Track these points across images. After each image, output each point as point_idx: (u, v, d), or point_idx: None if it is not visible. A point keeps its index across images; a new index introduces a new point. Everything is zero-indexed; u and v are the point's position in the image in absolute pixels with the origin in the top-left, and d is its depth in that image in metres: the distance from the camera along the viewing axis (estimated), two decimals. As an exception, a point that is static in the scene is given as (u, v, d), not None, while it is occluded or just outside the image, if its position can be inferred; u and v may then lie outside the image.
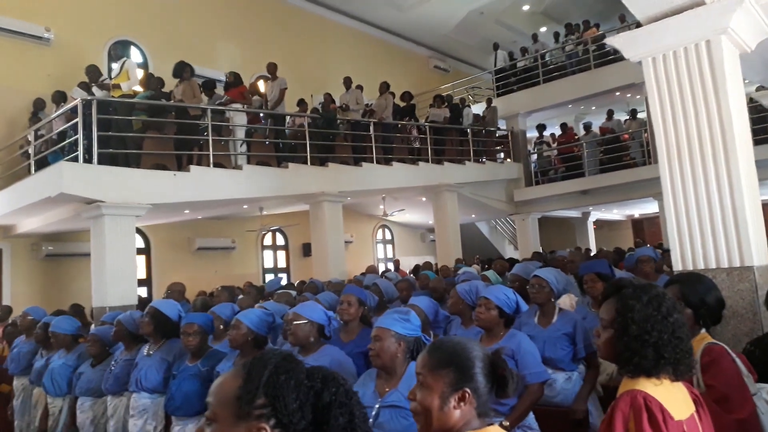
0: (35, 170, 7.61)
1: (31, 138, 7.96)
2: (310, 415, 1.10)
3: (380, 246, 15.65)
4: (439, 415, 1.45)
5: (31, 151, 7.88)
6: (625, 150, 13.26)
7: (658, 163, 3.63)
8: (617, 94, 13.39)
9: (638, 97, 13.30)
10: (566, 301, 4.16)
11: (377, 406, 2.41)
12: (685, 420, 1.61)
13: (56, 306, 7.28)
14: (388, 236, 15.95)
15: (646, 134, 12.51)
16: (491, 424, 1.48)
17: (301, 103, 10.66)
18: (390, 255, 15.70)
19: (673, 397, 1.62)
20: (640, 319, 1.63)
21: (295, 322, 3.08)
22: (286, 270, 13.04)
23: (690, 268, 3.43)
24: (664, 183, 3.60)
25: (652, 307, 1.64)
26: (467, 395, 1.44)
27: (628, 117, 14.04)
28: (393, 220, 15.30)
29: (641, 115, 13.81)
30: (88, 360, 4.48)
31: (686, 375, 1.65)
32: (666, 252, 6.27)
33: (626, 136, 13.59)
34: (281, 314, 3.90)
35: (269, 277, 12.39)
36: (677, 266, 3.52)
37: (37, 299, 8.51)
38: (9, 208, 7.87)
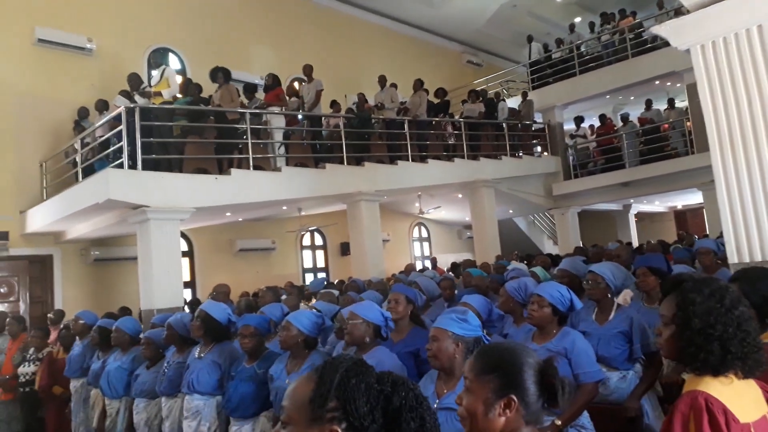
0: (82, 177, 7.83)
1: (77, 146, 8.20)
2: (380, 419, 1.11)
3: (417, 244, 15.62)
4: (484, 421, 1.43)
5: (78, 159, 8.11)
6: (666, 140, 12.94)
7: (710, 153, 3.52)
8: (656, 83, 13.09)
9: (678, 85, 12.97)
10: (620, 297, 4.08)
11: (435, 407, 2.38)
12: (753, 422, 1.54)
13: (105, 309, 7.48)
14: (425, 234, 15.91)
15: (688, 123, 12.19)
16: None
17: (334, 104, 10.72)
18: (427, 253, 15.65)
19: (741, 397, 1.55)
20: (702, 313, 1.57)
21: (351, 322, 3.10)
22: (325, 269, 13.13)
23: (746, 260, 3.33)
24: (716, 173, 3.50)
25: (714, 299, 1.58)
26: (513, 403, 1.42)
27: (667, 106, 13.70)
28: (429, 218, 15.26)
29: (680, 104, 13.46)
30: (143, 362, 4.59)
31: (756, 371, 1.57)
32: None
33: (666, 126, 13.26)
34: (331, 314, 3.93)
35: (309, 276, 12.53)
36: (732, 259, 3.42)
37: (87, 303, 8.77)
38: (59, 214, 8.11)
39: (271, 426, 3.52)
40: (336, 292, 6.04)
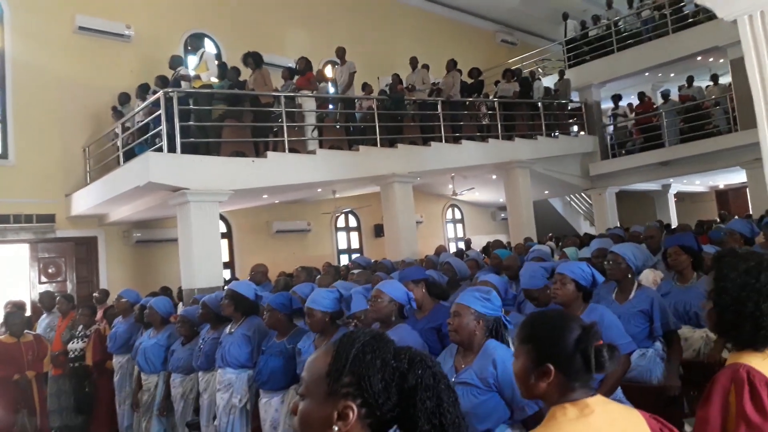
0: (124, 161, 8.04)
1: (118, 131, 8.40)
2: (395, 397, 1.09)
3: (450, 225, 15.60)
4: (528, 385, 1.47)
5: (119, 143, 8.32)
6: (708, 117, 12.56)
7: (758, 129, 3.43)
8: (698, 59, 12.69)
9: (721, 61, 12.53)
10: (649, 277, 4.05)
11: (452, 381, 2.44)
12: None
13: (148, 289, 7.73)
14: (458, 215, 15.87)
15: (731, 100, 11.81)
16: (593, 395, 1.43)
17: (366, 86, 10.71)
18: (460, 234, 15.62)
19: None
20: (733, 288, 1.56)
21: (378, 299, 3.16)
22: (359, 251, 13.24)
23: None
24: (764, 148, 3.41)
25: (750, 275, 1.56)
26: (550, 371, 1.43)
27: (709, 83, 13.27)
28: (463, 200, 15.19)
29: (724, 80, 13.02)
30: (178, 339, 4.77)
31: None
32: (764, 224, 5.87)
33: (707, 103, 12.85)
34: (349, 290, 3.98)
35: (344, 257, 12.72)
36: (778, 236, 3.35)
37: (130, 283, 9.05)
38: (102, 197, 8.37)
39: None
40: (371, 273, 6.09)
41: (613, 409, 1.41)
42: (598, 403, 1.40)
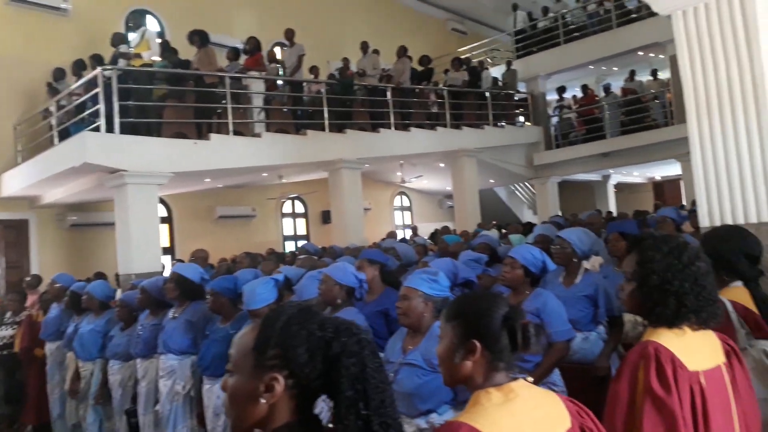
0: (58, 141, 7.69)
1: (53, 109, 8.03)
2: (320, 366, 1.10)
3: (398, 213, 15.65)
4: (450, 365, 1.45)
5: (53, 122, 7.96)
6: (647, 111, 13.02)
7: (687, 120, 3.57)
8: (640, 53, 13.10)
9: (661, 56, 12.98)
10: (589, 263, 4.14)
11: (398, 362, 2.49)
12: (704, 371, 1.60)
13: (82, 274, 7.46)
14: (406, 203, 15.94)
15: (669, 95, 12.25)
16: (515, 379, 1.43)
17: (314, 69, 10.57)
18: (408, 222, 15.70)
19: (693, 348, 1.61)
20: (660, 269, 1.63)
21: (325, 284, 3.17)
22: (306, 237, 13.13)
23: (717, 224, 3.39)
24: (692, 139, 3.55)
25: (672, 256, 1.64)
26: (476, 348, 1.40)
27: (650, 77, 13.75)
28: (411, 187, 15.27)
29: (663, 75, 13.50)
30: (117, 324, 4.61)
31: (711, 322, 1.64)
32: (692, 212, 6.26)
33: (645, 97, 13.30)
34: (297, 277, 3.94)
35: (289, 244, 12.58)
36: (704, 222, 3.49)
37: (64, 268, 8.60)
38: (34, 179, 8.00)
39: None
40: (315, 258, 6.06)
41: (535, 394, 1.42)
42: (521, 387, 1.40)
